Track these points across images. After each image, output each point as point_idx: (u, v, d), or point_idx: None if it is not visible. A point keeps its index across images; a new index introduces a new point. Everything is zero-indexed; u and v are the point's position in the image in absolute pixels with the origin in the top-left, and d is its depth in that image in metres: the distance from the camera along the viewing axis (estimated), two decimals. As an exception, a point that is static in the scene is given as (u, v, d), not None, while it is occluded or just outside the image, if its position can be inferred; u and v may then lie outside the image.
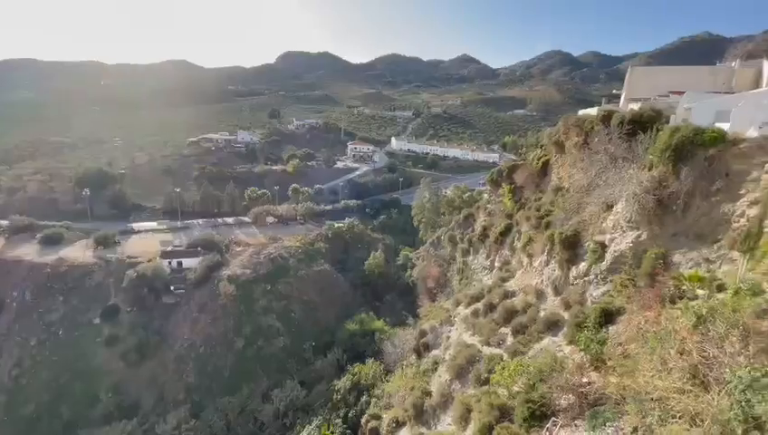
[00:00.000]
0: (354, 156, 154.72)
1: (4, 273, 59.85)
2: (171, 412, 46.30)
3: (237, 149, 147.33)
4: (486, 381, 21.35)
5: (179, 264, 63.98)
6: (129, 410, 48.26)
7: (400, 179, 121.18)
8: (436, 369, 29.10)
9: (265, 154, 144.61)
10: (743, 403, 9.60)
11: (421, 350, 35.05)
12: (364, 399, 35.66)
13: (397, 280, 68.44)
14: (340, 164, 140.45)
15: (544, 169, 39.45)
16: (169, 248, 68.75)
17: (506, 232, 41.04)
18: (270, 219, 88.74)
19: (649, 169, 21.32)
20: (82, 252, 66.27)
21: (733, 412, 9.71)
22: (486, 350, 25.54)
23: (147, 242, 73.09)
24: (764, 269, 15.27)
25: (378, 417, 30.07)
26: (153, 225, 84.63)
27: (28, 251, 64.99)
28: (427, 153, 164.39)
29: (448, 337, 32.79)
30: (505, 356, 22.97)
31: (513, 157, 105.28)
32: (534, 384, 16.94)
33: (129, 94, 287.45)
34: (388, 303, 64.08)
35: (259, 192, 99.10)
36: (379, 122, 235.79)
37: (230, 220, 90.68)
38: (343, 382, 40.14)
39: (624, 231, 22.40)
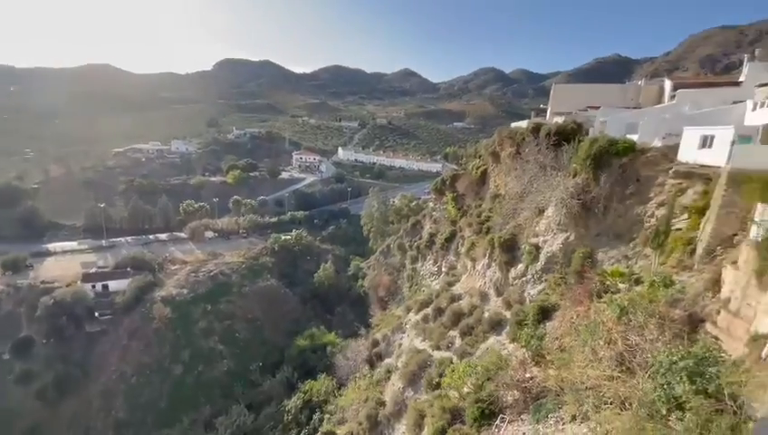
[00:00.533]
0: (300, 166, 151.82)
1: None
2: (97, 455, 41.23)
3: (171, 159, 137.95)
4: (438, 386, 21.72)
5: (105, 287, 57.78)
6: (46, 457, 42.19)
7: (349, 189, 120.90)
8: (389, 378, 29.06)
9: (203, 165, 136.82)
10: (664, 386, 10.66)
11: (374, 360, 34.85)
12: (317, 416, 34.50)
13: (348, 291, 67.67)
14: (285, 174, 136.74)
15: (483, 177, 41.70)
16: (93, 270, 61.91)
17: (451, 238, 42.59)
18: (209, 234, 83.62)
19: (574, 177, 23.43)
20: (-16, 279, 57.44)
21: (656, 394, 10.73)
22: (437, 354, 26.05)
23: (65, 264, 65.19)
24: (673, 263, 17.33)
25: (332, 434, 29.26)
26: (73, 245, 75.87)
27: None
28: (375, 163, 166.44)
29: (400, 344, 32.98)
30: (455, 359, 23.60)
31: (455, 167, 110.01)
32: (482, 384, 17.55)
33: (45, 101, 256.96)
34: (340, 315, 63.05)
35: (196, 205, 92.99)
36: (325, 132, 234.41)
37: (163, 237, 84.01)
38: (294, 402, 38.54)
39: (555, 233, 24.26)
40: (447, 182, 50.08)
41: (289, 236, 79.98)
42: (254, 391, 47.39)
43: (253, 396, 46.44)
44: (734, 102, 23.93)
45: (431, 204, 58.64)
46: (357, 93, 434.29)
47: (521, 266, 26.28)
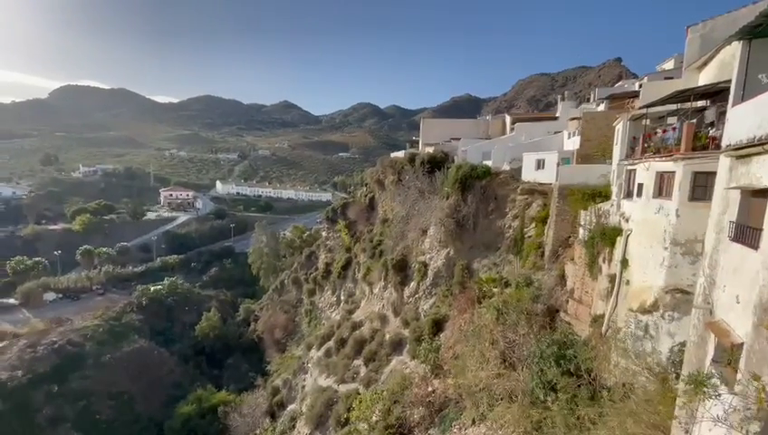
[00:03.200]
0: (170, 204, 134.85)
1: None
2: None
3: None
4: (347, 421, 21.07)
5: None
6: None
7: (231, 226, 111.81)
8: (294, 426, 27.04)
9: (38, 211, 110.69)
10: (539, 373, 12.32)
11: (275, 410, 32.14)
12: (211, 492, 29.71)
13: (239, 339, 61.26)
14: (151, 215, 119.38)
15: (371, 204, 43.58)
16: None
17: (347, 265, 42.87)
18: (50, 296, 67.01)
19: (447, 199, 26.37)
20: None
21: (534, 382, 12.32)
22: (343, 388, 25.37)
23: None
24: (530, 265, 20.58)
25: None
26: None
27: None
28: (260, 195, 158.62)
29: (303, 386, 31.19)
30: (361, 389, 23.32)
31: (345, 195, 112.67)
32: (390, 408, 17.68)
33: None
34: (231, 368, 56.36)
35: (29, 262, 73.89)
36: (198, 165, 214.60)
37: (-20, 307, 64.21)
38: (181, 482, 32.57)
39: (438, 250, 26.64)
40: (339, 210, 50.78)
41: (160, 287, 69.22)
42: (126, 483, 38.58)
43: (124, 490, 37.68)
44: (555, 132, 30.33)
45: (324, 233, 58.30)
46: (234, 124, 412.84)
47: (413, 284, 27.88)
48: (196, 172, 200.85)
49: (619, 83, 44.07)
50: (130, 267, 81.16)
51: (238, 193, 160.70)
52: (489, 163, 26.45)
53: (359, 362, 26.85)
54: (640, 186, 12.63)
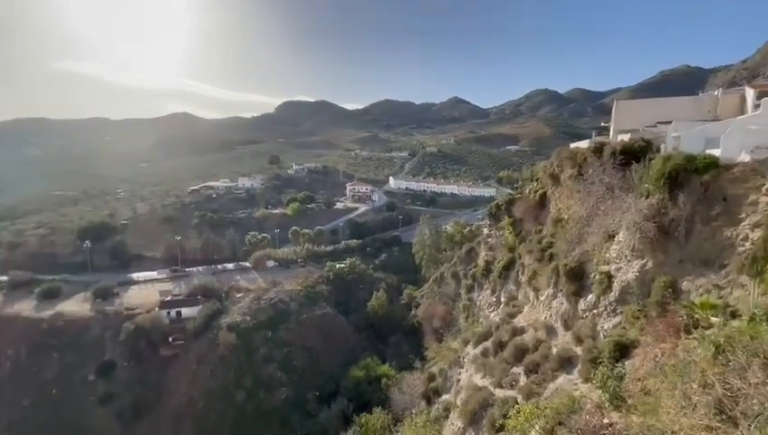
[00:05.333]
0: (353, 196, 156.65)
1: (0, 330, 58.45)
2: (167, 477, 43.29)
3: (238, 195, 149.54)
4: (502, 428, 20.13)
5: (178, 313, 62.60)
6: (123, 475, 45.13)
7: (400, 217, 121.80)
8: (447, 416, 27.58)
9: (265, 198, 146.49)
10: (777, 440, 8.92)
11: (431, 395, 33.45)
12: (373, 452, 33.44)
13: (401, 320, 66.58)
14: (339, 205, 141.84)
15: (542, 201, 39.70)
16: (168, 298, 67.63)
17: (509, 266, 40.60)
18: (270, 263, 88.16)
19: (646, 197, 21.42)
20: (80, 305, 65.10)
21: (768, 451, 9.00)
22: (499, 392, 24.32)
23: (146, 292, 72.00)
24: (777, 293, 14.88)
25: (388, 472, 28.07)
26: (153, 274, 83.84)
27: (25, 307, 63.88)
28: (425, 190, 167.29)
29: (458, 380, 31.38)
30: (520, 398, 21.83)
31: (510, 191, 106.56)
32: (553, 429, 15.95)
33: (133, 147, 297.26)
34: (393, 345, 61.88)
35: (259, 236, 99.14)
36: (376, 163, 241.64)
37: (230, 266, 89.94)
38: (350, 435, 37.83)
39: (629, 260, 22.08)
40: (503, 207, 48.45)
41: (343, 265, 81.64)
42: (311, 422, 47.43)
43: (309, 426, 46.47)
44: (841, 107, 20.73)
45: (486, 230, 56.78)
46: (406, 124, 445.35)
47: (591, 297, 24.12)
48: (374, 169, 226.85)
49: None
50: (323, 247, 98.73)
51: (407, 188, 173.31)
52: (716, 152, 20.15)
53: (518, 369, 25.14)
54: None
